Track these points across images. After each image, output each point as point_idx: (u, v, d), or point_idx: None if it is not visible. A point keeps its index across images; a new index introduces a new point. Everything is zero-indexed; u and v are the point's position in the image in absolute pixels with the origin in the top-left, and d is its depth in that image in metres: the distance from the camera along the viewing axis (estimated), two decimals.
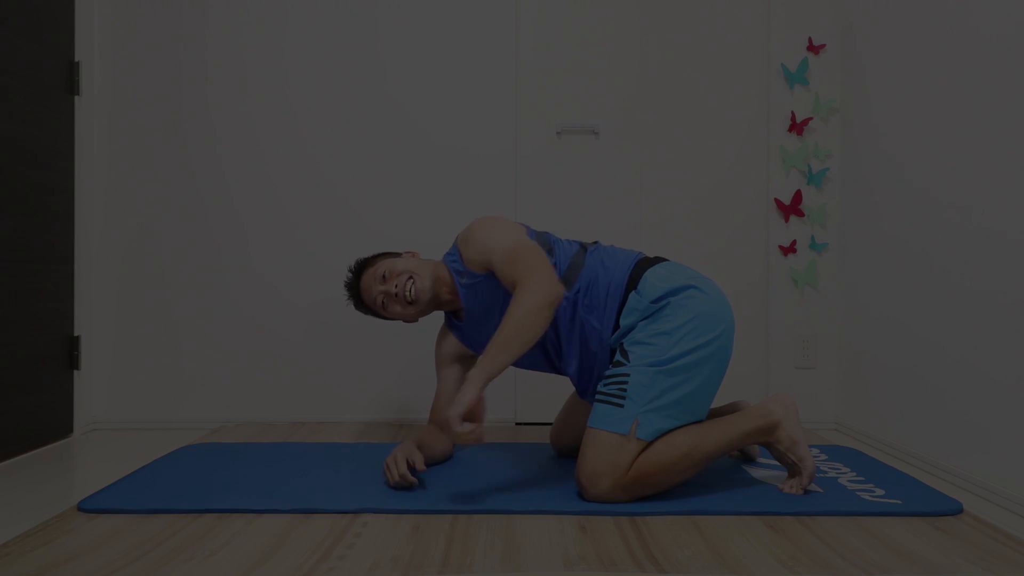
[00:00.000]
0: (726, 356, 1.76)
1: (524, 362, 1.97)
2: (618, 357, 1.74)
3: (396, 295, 1.92)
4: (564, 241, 1.92)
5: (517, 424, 2.67)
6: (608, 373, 1.74)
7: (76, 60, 2.54)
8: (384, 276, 1.95)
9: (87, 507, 1.64)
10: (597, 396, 1.73)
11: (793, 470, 1.77)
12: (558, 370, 1.97)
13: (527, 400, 2.68)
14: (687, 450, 1.67)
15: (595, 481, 1.66)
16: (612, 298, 1.80)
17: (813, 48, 2.70)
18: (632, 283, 1.79)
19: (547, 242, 1.89)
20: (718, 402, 2.54)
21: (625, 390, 1.69)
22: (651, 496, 1.70)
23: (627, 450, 1.66)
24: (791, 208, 2.70)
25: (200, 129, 2.67)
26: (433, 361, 2.68)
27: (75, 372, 2.54)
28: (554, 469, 1.99)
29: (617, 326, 1.80)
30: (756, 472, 1.95)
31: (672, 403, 1.68)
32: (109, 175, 2.67)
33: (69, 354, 2.51)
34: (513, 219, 2.69)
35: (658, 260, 1.87)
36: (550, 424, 2.63)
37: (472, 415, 1.56)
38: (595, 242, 1.95)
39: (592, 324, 1.82)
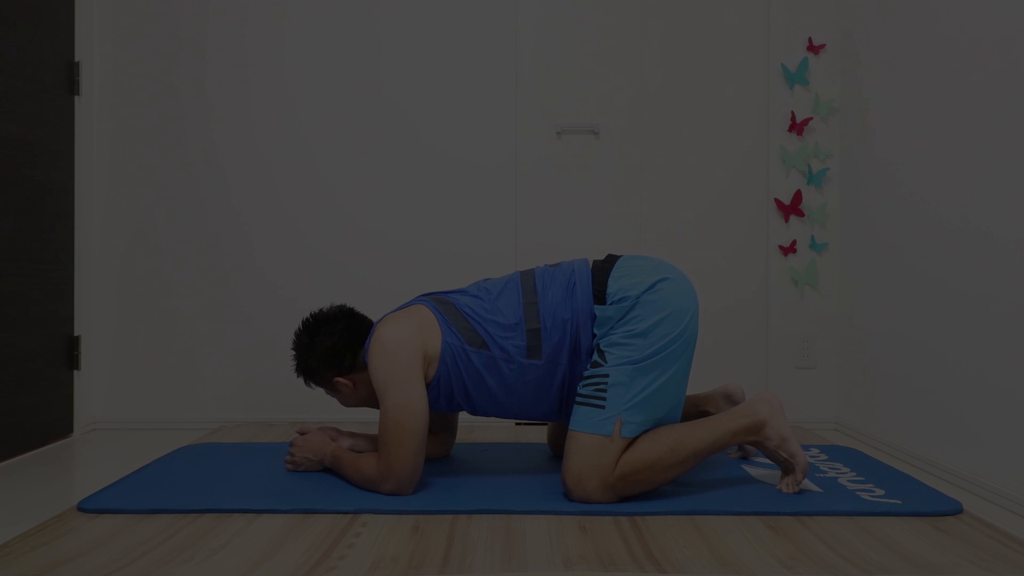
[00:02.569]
0: (694, 337, 1.77)
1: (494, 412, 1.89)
2: (595, 358, 1.73)
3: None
4: (498, 313, 1.78)
5: (517, 424, 2.67)
6: (587, 374, 1.73)
7: (76, 60, 2.54)
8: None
9: (87, 507, 1.64)
10: (577, 398, 1.73)
11: (786, 467, 1.77)
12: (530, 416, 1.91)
13: None
14: (672, 445, 1.67)
15: (581, 483, 1.66)
16: (585, 330, 1.76)
17: (813, 48, 2.70)
18: (597, 298, 1.76)
19: (482, 341, 1.76)
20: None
21: (604, 390, 1.68)
22: (639, 495, 1.70)
23: (611, 450, 1.66)
24: (791, 208, 2.70)
25: (200, 129, 2.67)
26: None
27: (75, 372, 2.54)
28: (554, 469, 1.99)
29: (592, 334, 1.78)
30: (755, 472, 1.95)
31: (651, 395, 1.69)
32: (109, 175, 2.67)
33: (69, 354, 2.51)
34: (513, 218, 2.69)
35: (608, 260, 1.83)
36: (546, 424, 2.63)
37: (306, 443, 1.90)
38: (530, 273, 1.85)
39: (576, 366, 1.78)
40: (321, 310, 1.93)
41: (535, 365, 1.76)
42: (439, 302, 1.82)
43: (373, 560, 1.36)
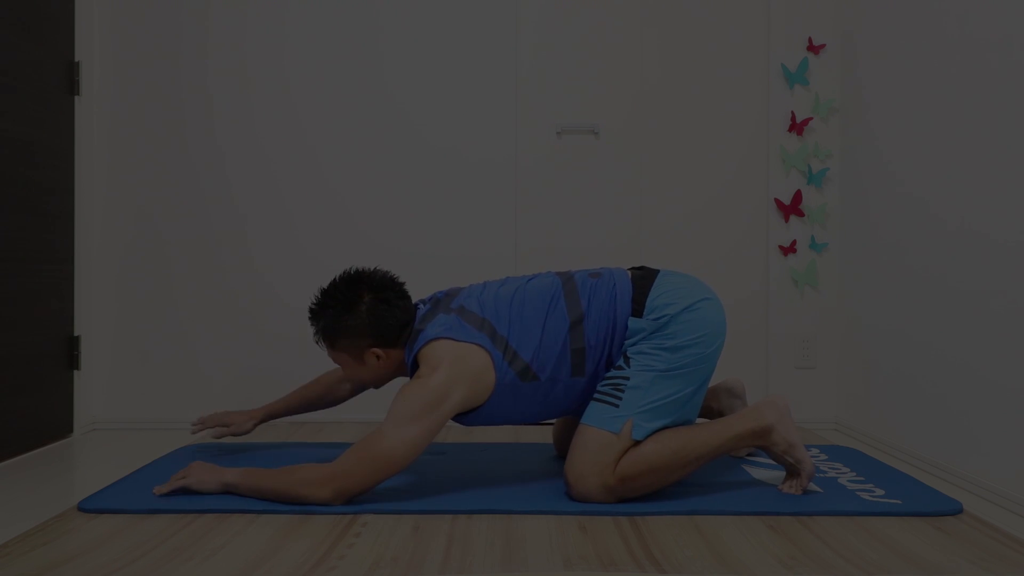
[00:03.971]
0: (717, 357, 1.78)
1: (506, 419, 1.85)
2: (620, 362, 1.74)
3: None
4: (548, 335, 1.73)
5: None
6: (608, 375, 1.74)
7: (76, 60, 2.54)
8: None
9: (87, 507, 1.64)
10: (595, 396, 1.73)
11: (792, 470, 1.77)
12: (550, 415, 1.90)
13: None
14: (676, 448, 1.67)
15: (582, 480, 1.66)
16: (617, 344, 1.75)
17: (813, 48, 2.70)
18: (635, 310, 1.75)
19: (529, 370, 1.72)
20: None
21: (622, 390, 1.69)
22: (640, 497, 1.70)
23: (616, 448, 1.66)
24: (791, 208, 2.70)
25: (200, 129, 2.67)
26: None
27: (75, 372, 2.54)
28: (554, 469, 1.99)
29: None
30: (756, 472, 1.95)
31: (667, 404, 1.69)
32: (109, 175, 2.67)
33: (69, 354, 2.51)
34: (513, 219, 2.69)
35: (647, 275, 1.82)
36: (551, 424, 2.63)
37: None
38: (571, 282, 1.80)
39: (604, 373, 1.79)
40: (372, 268, 1.80)
41: (579, 382, 1.76)
42: (495, 338, 1.71)
43: (373, 560, 1.36)
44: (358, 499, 1.67)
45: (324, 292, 1.79)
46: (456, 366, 1.65)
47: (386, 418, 1.62)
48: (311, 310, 1.79)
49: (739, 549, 1.43)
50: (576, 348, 1.74)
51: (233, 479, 1.68)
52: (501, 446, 2.27)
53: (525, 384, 1.74)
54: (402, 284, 1.82)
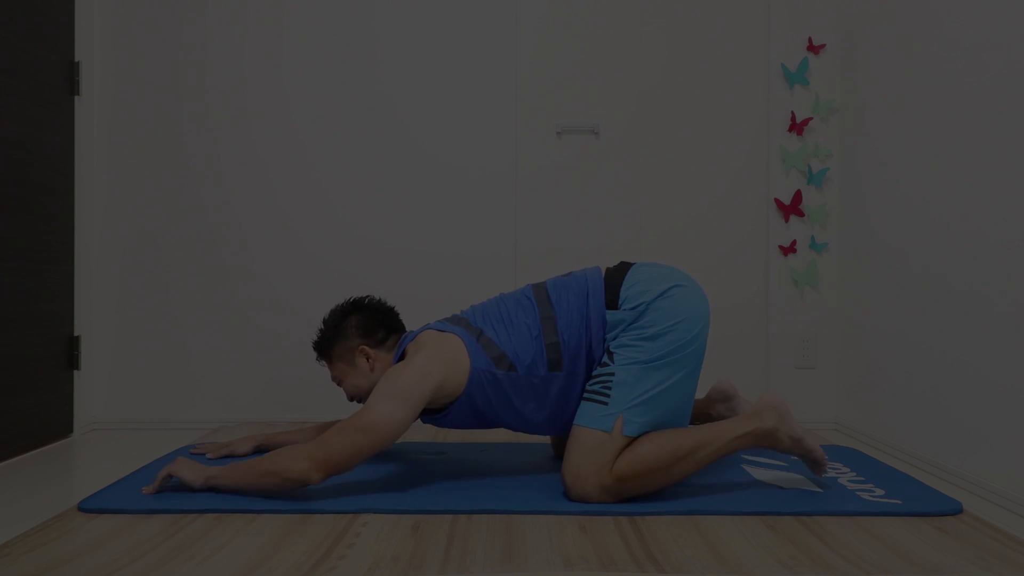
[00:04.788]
0: (704, 346, 1.78)
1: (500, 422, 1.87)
2: (604, 359, 1.74)
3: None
4: (520, 330, 1.78)
5: None
6: (595, 373, 1.74)
7: (76, 60, 2.54)
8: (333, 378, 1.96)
9: (87, 507, 1.64)
10: (584, 395, 1.73)
11: (804, 460, 1.78)
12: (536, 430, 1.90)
13: None
14: (673, 450, 1.67)
15: (579, 482, 1.66)
16: (597, 340, 1.76)
17: (813, 48, 2.70)
18: (609, 304, 1.76)
19: (507, 360, 1.75)
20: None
21: (610, 387, 1.69)
22: (639, 497, 1.70)
23: (610, 448, 1.66)
24: (791, 208, 2.70)
25: (200, 129, 2.68)
26: None
27: (75, 372, 2.54)
28: (554, 469, 1.99)
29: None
30: (756, 472, 1.95)
31: (656, 395, 1.69)
32: (109, 175, 2.67)
33: (69, 354, 2.51)
34: (513, 219, 2.69)
35: (621, 267, 1.83)
36: None
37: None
38: (542, 287, 1.86)
39: (586, 375, 1.79)
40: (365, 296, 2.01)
41: (557, 377, 1.77)
42: (469, 328, 1.79)
43: (373, 560, 1.36)
44: (355, 493, 1.67)
45: (322, 322, 1.98)
46: (436, 348, 1.74)
47: (371, 396, 1.67)
48: (313, 344, 1.97)
49: (739, 549, 1.43)
50: (550, 343, 1.76)
51: (216, 471, 1.71)
52: (501, 446, 2.27)
53: (502, 373, 1.74)
54: (391, 307, 2.00)
